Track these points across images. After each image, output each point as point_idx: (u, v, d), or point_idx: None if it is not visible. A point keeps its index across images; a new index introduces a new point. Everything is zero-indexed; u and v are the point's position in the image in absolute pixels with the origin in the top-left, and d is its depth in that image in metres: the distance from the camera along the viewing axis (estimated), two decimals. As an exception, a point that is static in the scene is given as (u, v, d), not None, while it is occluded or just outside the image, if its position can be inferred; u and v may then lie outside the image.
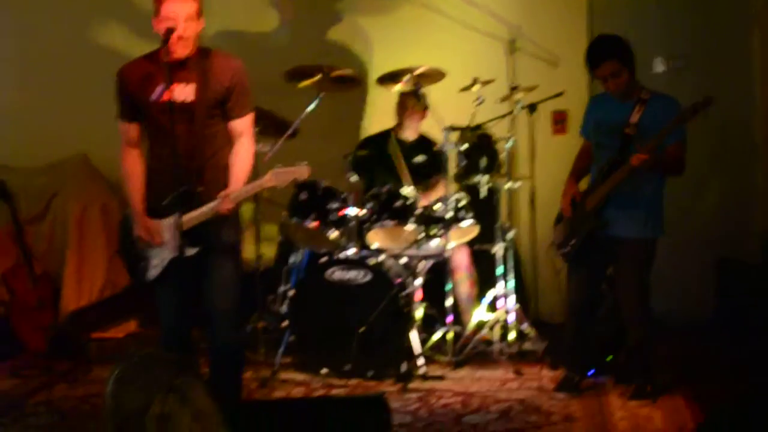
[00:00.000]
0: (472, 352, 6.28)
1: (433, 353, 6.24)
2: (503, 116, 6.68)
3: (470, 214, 6.34)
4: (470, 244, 6.58)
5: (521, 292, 6.76)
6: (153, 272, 4.75)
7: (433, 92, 6.42)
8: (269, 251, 6.76)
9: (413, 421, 5.20)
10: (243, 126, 4.75)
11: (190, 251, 4.59)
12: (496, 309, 6.40)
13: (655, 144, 5.22)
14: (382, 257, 6.15)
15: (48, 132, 7.35)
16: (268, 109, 6.22)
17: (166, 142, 4.56)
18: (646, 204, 5.44)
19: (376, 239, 6.27)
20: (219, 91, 4.65)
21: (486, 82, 6.47)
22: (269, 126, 6.30)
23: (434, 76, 6.41)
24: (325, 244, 6.30)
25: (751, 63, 7.22)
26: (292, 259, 6.54)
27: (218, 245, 4.71)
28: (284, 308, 6.36)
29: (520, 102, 6.52)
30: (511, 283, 6.39)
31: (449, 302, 6.24)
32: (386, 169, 6.68)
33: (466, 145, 6.42)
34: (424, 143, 6.78)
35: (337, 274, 6.00)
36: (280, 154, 6.14)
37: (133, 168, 4.77)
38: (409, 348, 5.99)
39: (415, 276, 6.31)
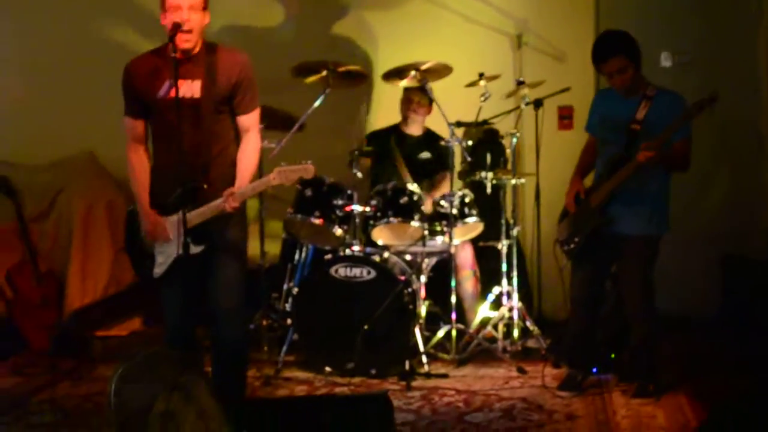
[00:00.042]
0: (476, 349, 6.28)
1: (436, 351, 6.24)
2: (509, 112, 6.67)
3: (475, 211, 6.33)
4: (475, 241, 6.58)
5: (525, 289, 6.76)
6: (158, 270, 4.76)
7: (438, 87, 6.40)
8: (274, 248, 6.75)
9: (416, 419, 5.20)
10: (250, 121, 4.76)
11: (195, 249, 4.60)
12: (500, 306, 6.40)
13: (662, 141, 5.21)
14: (386, 254, 6.15)
15: (53, 129, 7.35)
16: (274, 105, 6.21)
17: (172, 138, 4.56)
18: (652, 200, 5.42)
19: (380, 236, 6.26)
20: (226, 86, 4.65)
21: (492, 78, 6.45)
22: (275, 122, 6.30)
23: (441, 71, 6.39)
24: (329, 241, 6.29)
25: (757, 59, 7.19)
26: (296, 256, 6.54)
27: (223, 244, 4.72)
28: (288, 306, 6.36)
29: (526, 97, 6.50)
30: (515, 280, 6.39)
31: (453, 300, 6.24)
32: (391, 165, 6.68)
33: (471, 141, 6.43)
34: (429, 139, 6.77)
35: (341, 271, 6.00)
36: (286, 149, 6.15)
37: (140, 164, 4.78)
38: (413, 346, 5.99)
39: (419, 273, 6.31)
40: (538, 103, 6.52)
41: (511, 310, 6.38)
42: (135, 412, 3.91)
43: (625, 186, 5.36)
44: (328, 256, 6.11)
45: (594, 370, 5.70)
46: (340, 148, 6.60)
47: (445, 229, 6.22)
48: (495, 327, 6.42)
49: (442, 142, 6.39)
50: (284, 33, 7.50)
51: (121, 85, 4.75)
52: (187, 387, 4.09)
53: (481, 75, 6.42)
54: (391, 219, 6.16)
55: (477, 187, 6.48)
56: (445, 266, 6.30)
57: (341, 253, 6.07)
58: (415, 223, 6.17)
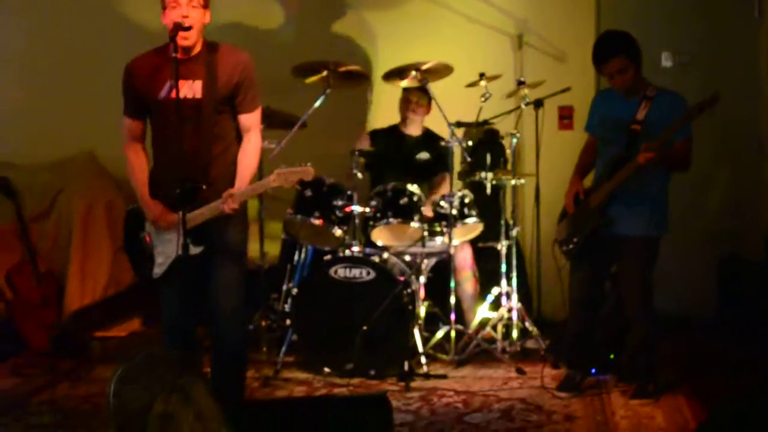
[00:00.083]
0: (475, 350, 6.27)
1: (435, 352, 6.23)
2: (509, 112, 6.67)
3: (474, 212, 6.32)
4: (474, 241, 6.57)
5: (524, 289, 6.75)
6: (157, 270, 4.75)
7: (439, 87, 6.40)
8: (273, 249, 6.75)
9: (415, 420, 5.20)
10: (251, 121, 4.75)
11: (195, 250, 4.59)
12: (499, 307, 6.40)
13: (663, 142, 5.20)
14: (386, 255, 6.15)
15: (53, 129, 7.36)
16: (274, 105, 6.21)
17: (173, 138, 4.55)
18: (651, 201, 5.42)
19: (380, 237, 6.26)
20: (227, 86, 4.64)
21: (492, 78, 6.45)
22: (275, 122, 6.30)
23: (441, 71, 6.38)
24: (329, 242, 6.29)
25: (758, 60, 7.18)
26: (296, 257, 6.53)
27: (223, 245, 4.71)
28: (287, 306, 6.36)
29: (527, 97, 6.50)
30: (515, 280, 6.39)
31: (452, 300, 6.23)
32: (391, 164, 6.67)
33: (471, 142, 6.43)
34: (428, 139, 6.76)
35: (340, 271, 5.99)
36: (286, 150, 6.15)
37: (139, 162, 4.77)
38: (412, 346, 5.99)
39: (418, 274, 6.30)
40: (538, 104, 6.52)
41: (510, 310, 6.38)
42: (134, 413, 3.90)
43: (625, 187, 5.35)
44: (328, 257, 6.11)
45: (593, 370, 5.70)
46: (340, 149, 6.60)
47: (444, 229, 6.22)
48: (494, 328, 6.41)
49: (442, 143, 6.39)
50: (284, 33, 7.51)
51: (122, 85, 4.74)
52: (185, 388, 4.07)
53: (481, 75, 6.42)
54: (391, 220, 6.16)
55: (477, 187, 6.47)
56: (445, 267, 6.30)
57: (341, 254, 6.06)
58: (414, 224, 6.16)
